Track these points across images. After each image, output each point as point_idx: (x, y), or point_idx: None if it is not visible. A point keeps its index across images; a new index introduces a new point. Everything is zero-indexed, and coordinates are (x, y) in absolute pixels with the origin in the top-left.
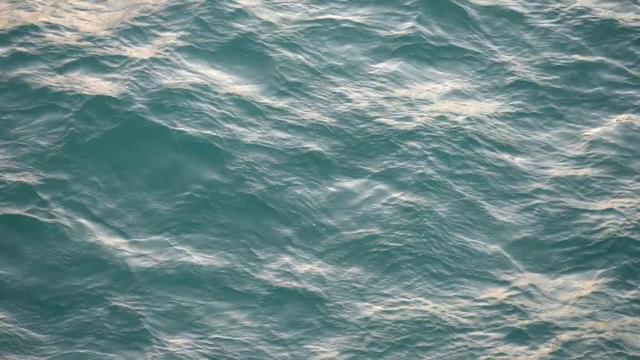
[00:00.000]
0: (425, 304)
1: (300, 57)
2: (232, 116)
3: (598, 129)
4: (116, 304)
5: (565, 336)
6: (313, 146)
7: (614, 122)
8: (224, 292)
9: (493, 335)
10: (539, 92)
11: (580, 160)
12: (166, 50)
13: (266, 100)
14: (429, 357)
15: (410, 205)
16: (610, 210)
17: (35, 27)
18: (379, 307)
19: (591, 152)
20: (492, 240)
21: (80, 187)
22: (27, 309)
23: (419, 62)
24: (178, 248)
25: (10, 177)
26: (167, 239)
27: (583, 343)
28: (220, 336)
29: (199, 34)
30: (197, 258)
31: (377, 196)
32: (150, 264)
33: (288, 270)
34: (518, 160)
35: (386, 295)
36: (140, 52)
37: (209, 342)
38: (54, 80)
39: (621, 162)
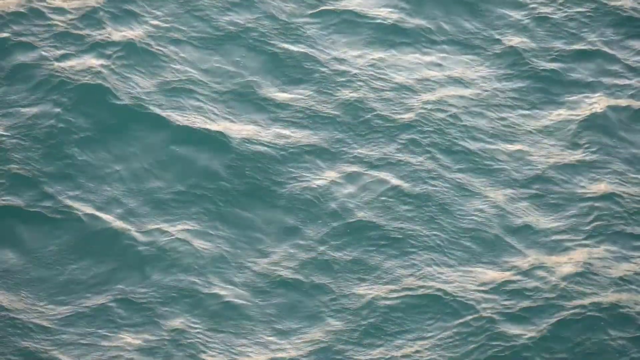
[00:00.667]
0: (426, 289)
1: (299, 48)
2: (233, 107)
3: (593, 116)
4: (121, 291)
5: (566, 315)
6: (314, 137)
7: (608, 109)
8: (226, 281)
9: (494, 316)
10: (536, 79)
11: (575, 147)
12: (165, 41)
13: (265, 91)
14: (431, 341)
15: (411, 193)
16: (605, 193)
17: (27, 14)
18: (379, 293)
19: (585, 138)
20: (492, 225)
21: (82, 177)
22: (36, 299)
23: (417, 51)
24: (181, 237)
25: (11, 169)
26: (169, 230)
27: (584, 322)
28: (220, 325)
29: (198, 25)
30: (200, 247)
31: (378, 185)
32: (154, 253)
33: (289, 258)
34: (516, 147)
35: (387, 282)
36: (139, 40)
37: (210, 329)
38: (51, 69)
39: (614, 148)
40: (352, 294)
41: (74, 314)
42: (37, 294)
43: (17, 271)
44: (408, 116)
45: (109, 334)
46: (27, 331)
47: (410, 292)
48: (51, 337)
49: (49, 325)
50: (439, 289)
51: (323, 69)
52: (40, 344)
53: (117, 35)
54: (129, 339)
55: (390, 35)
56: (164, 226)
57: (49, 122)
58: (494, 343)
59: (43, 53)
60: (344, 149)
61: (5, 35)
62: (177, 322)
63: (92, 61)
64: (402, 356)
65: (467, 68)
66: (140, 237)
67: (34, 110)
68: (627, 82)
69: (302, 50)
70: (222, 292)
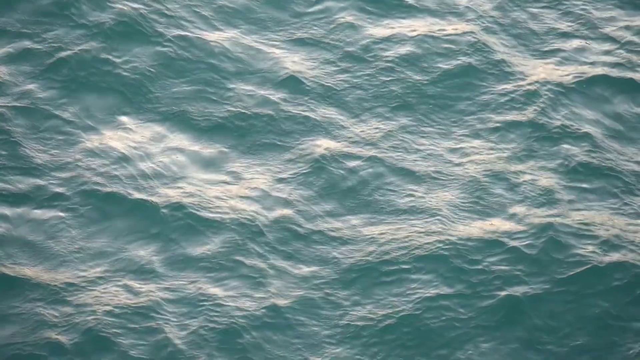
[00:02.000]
0: (424, 251)
1: (301, 27)
2: (237, 85)
3: (559, 84)
4: (144, 257)
5: (563, 277)
6: (312, 113)
7: (592, 80)
8: (238, 248)
9: (491, 278)
10: (527, 52)
11: (559, 116)
12: (170, 20)
13: (269, 69)
14: (425, 303)
15: (407, 163)
16: (589, 156)
17: None
18: (377, 260)
19: (549, 103)
20: (487, 188)
21: (97, 158)
22: (60, 269)
23: (411, 23)
24: (189, 203)
25: (23, 157)
26: (183, 201)
27: (580, 283)
28: (230, 281)
29: (206, 4)
30: (209, 216)
31: (375, 158)
32: (171, 223)
33: (288, 230)
34: (507, 118)
35: (386, 252)
36: (142, 18)
37: (219, 285)
38: (55, 52)
39: (579, 111)
40: (351, 263)
41: (97, 280)
42: (60, 266)
43: (40, 247)
44: (405, 87)
45: (130, 297)
46: (51, 297)
47: (406, 256)
48: (72, 306)
49: (70, 295)
50: (436, 251)
51: (324, 47)
52: (60, 310)
53: (120, 14)
54: (151, 301)
55: (390, 10)
56: (179, 195)
57: (57, 106)
58: (490, 302)
59: (44, 36)
60: (342, 123)
61: (5, 19)
62: (193, 286)
63: (95, 42)
64: (400, 317)
65: (460, 38)
66: (156, 209)
67: (40, 95)
68: (616, 59)
69: (303, 29)
70: (234, 258)
